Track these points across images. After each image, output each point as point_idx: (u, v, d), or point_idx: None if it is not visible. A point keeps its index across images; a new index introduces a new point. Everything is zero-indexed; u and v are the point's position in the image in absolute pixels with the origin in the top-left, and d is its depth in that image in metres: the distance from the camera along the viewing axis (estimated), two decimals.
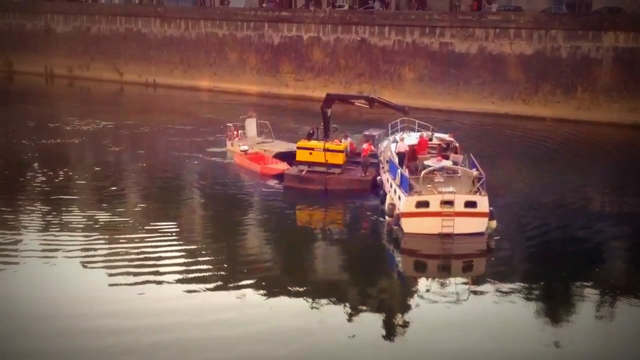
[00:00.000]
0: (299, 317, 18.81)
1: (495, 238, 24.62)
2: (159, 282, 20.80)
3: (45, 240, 24.18)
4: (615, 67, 46.32)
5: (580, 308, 19.77)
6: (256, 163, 33.33)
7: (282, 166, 32.48)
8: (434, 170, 26.06)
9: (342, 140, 31.83)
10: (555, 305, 19.97)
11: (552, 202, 29.57)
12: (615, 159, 39.10)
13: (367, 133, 34.08)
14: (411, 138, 30.19)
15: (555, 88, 48.26)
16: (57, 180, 32.42)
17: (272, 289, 20.43)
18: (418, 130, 31.68)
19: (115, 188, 31.55)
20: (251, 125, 37.33)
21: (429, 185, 25.20)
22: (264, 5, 67.82)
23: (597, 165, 37.60)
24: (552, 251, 23.98)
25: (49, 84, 71.58)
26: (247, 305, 19.49)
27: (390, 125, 32.40)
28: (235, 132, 36.88)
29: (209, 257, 23.18)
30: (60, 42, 72.78)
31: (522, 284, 21.20)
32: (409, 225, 24.41)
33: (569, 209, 28.61)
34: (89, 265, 22.03)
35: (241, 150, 34.74)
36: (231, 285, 20.78)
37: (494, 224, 24.69)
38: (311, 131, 33.57)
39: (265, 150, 34.69)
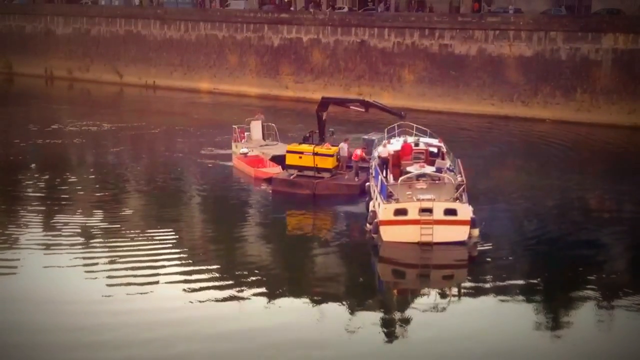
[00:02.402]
0: (274, 324, 18.66)
1: (483, 246, 23.77)
2: (153, 283, 20.87)
3: (42, 245, 24.00)
4: (614, 68, 46.33)
5: (566, 318, 19.40)
6: (252, 166, 33.22)
7: (276, 170, 32.18)
8: (412, 176, 25.35)
9: (341, 145, 31.63)
10: (541, 315, 19.50)
11: (548, 207, 29.17)
12: (614, 161, 39.10)
13: (366, 137, 33.89)
14: (398, 143, 29.46)
15: (555, 90, 48.29)
16: (54, 183, 32.31)
17: (245, 298, 20.17)
18: (416, 135, 31.19)
19: (111, 191, 31.32)
20: (256, 127, 37.13)
21: (408, 192, 24.35)
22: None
23: (597, 168, 37.59)
24: (542, 259, 23.23)
25: (49, 86, 71.63)
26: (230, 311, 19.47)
27: (386, 129, 31.84)
28: (241, 134, 36.72)
29: (187, 261, 22.93)
30: (60, 44, 72.88)
31: (503, 295, 20.51)
32: (388, 234, 23.66)
33: (566, 215, 28.15)
34: (86, 268, 22.02)
35: (241, 153, 34.67)
36: (202, 290, 20.63)
37: (476, 232, 23.85)
38: (307, 135, 33.45)
39: (263, 153, 34.60)
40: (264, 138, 36.96)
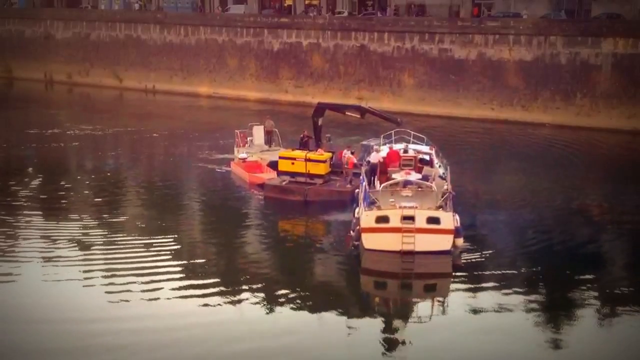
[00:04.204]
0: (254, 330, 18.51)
1: (472, 254, 23.18)
2: (147, 297, 20.47)
3: (40, 252, 23.67)
4: (614, 73, 46.28)
5: (559, 327, 18.86)
6: (249, 171, 33.02)
7: (271, 175, 31.81)
8: (393, 183, 24.87)
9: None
10: (531, 323, 19.01)
11: (547, 213, 28.72)
12: (614, 165, 39.00)
13: (365, 143, 33.69)
14: (386, 150, 28.99)
15: (555, 94, 48.23)
16: (52, 188, 32.07)
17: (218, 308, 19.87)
18: (414, 142, 30.70)
19: (108, 197, 31.01)
20: (259, 132, 36.93)
21: (391, 200, 23.84)
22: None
23: (597, 172, 37.47)
24: (535, 266, 22.63)
25: (49, 90, 71.51)
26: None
27: (383, 136, 31.40)
28: (243, 139, 36.53)
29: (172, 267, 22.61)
30: (60, 49, 72.83)
31: (491, 304, 19.98)
32: (369, 241, 22.99)
33: (564, 221, 27.74)
34: (84, 276, 21.68)
35: (239, 158, 34.53)
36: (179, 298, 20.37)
37: (460, 241, 23.07)
38: (304, 137, 33.21)
39: (261, 159, 34.41)
40: (270, 143, 36.58)
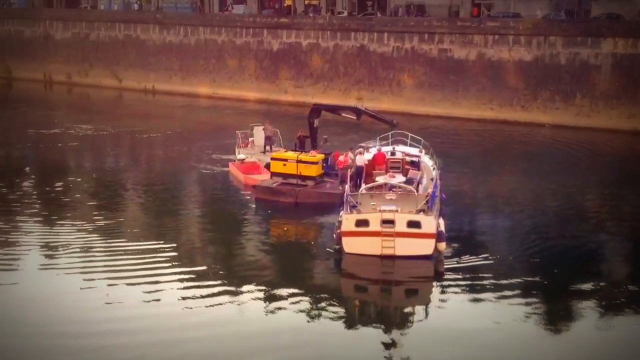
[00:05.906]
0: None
1: (462, 258, 22.68)
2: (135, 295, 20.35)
3: (39, 252, 23.60)
4: (614, 73, 46.26)
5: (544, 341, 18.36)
6: (246, 173, 32.89)
7: (265, 176, 31.56)
8: (374, 186, 24.66)
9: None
10: (521, 329, 18.55)
11: (546, 214, 28.45)
12: (614, 166, 38.94)
13: (363, 145, 33.56)
14: (372, 152, 28.61)
15: (554, 94, 48.20)
16: (48, 189, 31.88)
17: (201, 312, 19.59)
18: (411, 145, 30.14)
19: (103, 198, 30.86)
20: (259, 133, 36.82)
21: (372, 203, 23.42)
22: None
23: (597, 173, 37.36)
24: (530, 270, 22.09)
25: (48, 90, 71.48)
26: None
27: (379, 138, 30.96)
28: (246, 140, 36.40)
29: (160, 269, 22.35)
30: (59, 49, 72.78)
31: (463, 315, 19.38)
32: (350, 245, 22.59)
33: (563, 224, 27.34)
34: (84, 279, 21.49)
35: (238, 159, 34.44)
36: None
37: (443, 246, 22.49)
38: (301, 138, 33.08)
39: (259, 160, 34.30)
40: (270, 146, 36.24)
